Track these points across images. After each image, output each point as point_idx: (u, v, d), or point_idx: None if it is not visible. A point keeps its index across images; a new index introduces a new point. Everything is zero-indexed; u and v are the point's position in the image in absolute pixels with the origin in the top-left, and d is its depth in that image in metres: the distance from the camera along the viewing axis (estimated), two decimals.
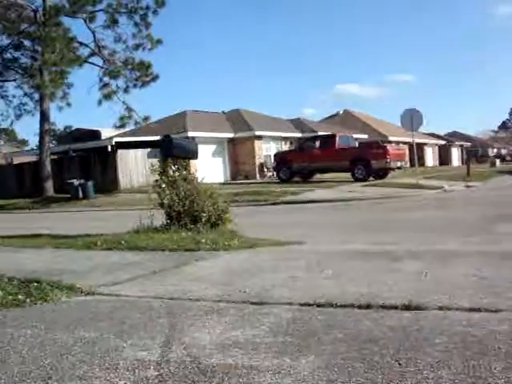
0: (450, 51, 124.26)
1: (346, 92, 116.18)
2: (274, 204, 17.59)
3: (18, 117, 29.48)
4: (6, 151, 44.78)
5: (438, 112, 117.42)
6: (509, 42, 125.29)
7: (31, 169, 30.39)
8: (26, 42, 28.13)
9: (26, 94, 29.06)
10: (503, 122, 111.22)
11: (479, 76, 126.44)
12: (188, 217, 8.44)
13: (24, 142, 71.67)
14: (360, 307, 3.73)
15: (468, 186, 23.31)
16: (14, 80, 29.27)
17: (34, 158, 31.83)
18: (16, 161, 35.51)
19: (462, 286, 4.23)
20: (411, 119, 22.57)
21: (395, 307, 3.67)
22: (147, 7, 26.64)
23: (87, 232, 9.62)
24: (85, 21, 26.41)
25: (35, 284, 4.85)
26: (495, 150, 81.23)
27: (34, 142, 64.61)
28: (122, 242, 7.52)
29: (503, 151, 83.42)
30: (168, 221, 8.70)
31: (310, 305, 3.86)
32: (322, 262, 5.60)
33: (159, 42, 27.04)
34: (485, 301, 3.70)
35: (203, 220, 8.37)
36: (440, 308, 3.60)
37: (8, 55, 28.84)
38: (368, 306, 3.72)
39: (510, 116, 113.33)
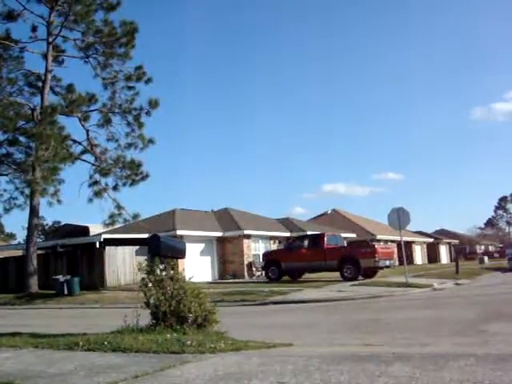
0: (435, 150, 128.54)
1: (334, 191, 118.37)
2: (262, 304, 17.30)
3: (8, 210, 29.47)
4: None
5: (425, 210, 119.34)
6: (486, 142, 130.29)
7: (17, 263, 29.95)
8: (21, 138, 28.77)
9: (17, 189, 29.28)
10: (489, 219, 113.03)
11: (465, 174, 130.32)
12: (174, 317, 8.26)
13: (11, 236, 71.18)
14: None
15: (457, 284, 23.26)
16: (7, 174, 29.59)
17: (20, 252, 31.51)
18: (2, 255, 35.09)
19: None
20: (398, 218, 22.85)
21: None
22: (141, 108, 27.61)
23: (70, 331, 9.36)
24: (79, 119, 27.23)
25: None
26: (483, 247, 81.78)
27: (21, 235, 64.24)
28: (105, 343, 7.28)
29: (491, 248, 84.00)
30: (154, 321, 8.51)
31: None
32: (310, 366, 5.44)
33: (151, 141, 27.72)
34: None
35: (189, 321, 8.20)
36: None
37: (2, 150, 29.37)
38: None
39: (496, 213, 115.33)
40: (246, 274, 32.83)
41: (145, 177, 26.99)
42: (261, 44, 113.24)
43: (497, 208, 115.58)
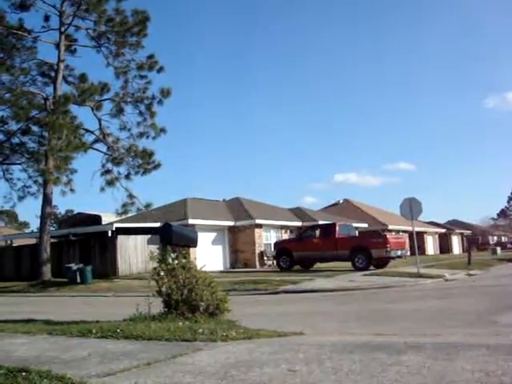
0: (447, 140, 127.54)
1: (346, 181, 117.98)
2: (273, 293, 17.34)
3: (21, 199, 29.87)
4: (6, 233, 44.85)
5: (438, 200, 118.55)
6: (500, 132, 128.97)
7: (30, 251, 30.28)
8: (34, 128, 28.97)
9: (30, 177, 29.60)
10: (502, 209, 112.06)
11: (478, 164, 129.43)
12: (186, 305, 8.31)
13: (25, 224, 71.92)
14: None
15: (469, 275, 23.12)
16: (20, 164, 29.87)
17: (33, 241, 31.81)
18: (16, 243, 35.42)
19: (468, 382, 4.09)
20: (410, 208, 22.74)
21: None
22: (153, 97, 27.66)
23: (83, 318, 9.45)
24: (92, 109, 27.33)
25: (23, 374, 4.68)
26: (495, 238, 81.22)
27: (34, 224, 64.90)
28: (118, 331, 7.34)
29: (504, 239, 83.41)
30: (166, 309, 8.56)
31: None
32: (321, 355, 5.46)
33: (163, 130, 27.78)
34: None
35: (201, 309, 8.24)
36: None
37: (16, 139, 29.61)
38: None
39: (509, 203, 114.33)
40: (257, 263, 32.91)
41: (157, 166, 27.08)
42: (276, 33, 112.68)
43: (510, 199, 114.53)
